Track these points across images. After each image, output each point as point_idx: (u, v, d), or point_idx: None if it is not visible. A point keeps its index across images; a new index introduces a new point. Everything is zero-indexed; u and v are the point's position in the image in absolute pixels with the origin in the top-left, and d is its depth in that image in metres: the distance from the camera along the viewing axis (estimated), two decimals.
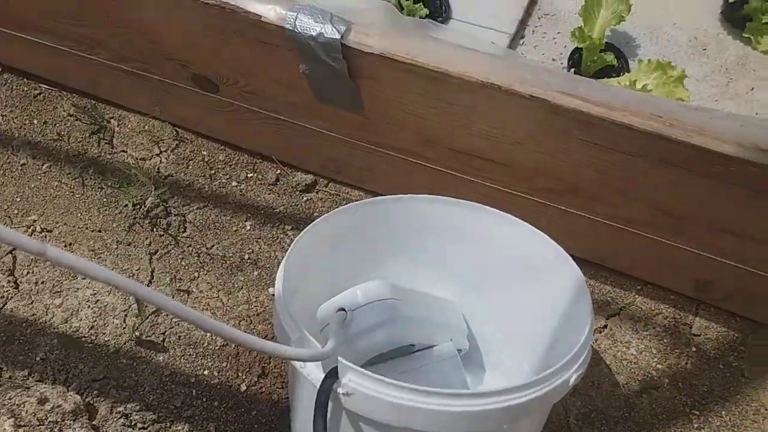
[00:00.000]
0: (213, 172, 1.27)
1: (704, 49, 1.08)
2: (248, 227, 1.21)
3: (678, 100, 0.95)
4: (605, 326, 1.13)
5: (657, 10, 1.13)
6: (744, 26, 1.08)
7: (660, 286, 1.13)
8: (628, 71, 1.05)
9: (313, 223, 0.88)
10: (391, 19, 0.99)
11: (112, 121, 1.34)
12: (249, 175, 1.27)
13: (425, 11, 1.09)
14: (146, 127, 1.33)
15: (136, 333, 1.08)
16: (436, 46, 0.94)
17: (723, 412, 1.06)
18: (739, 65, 1.06)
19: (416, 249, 0.96)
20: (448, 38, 0.95)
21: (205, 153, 1.30)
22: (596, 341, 1.10)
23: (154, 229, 1.20)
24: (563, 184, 1.00)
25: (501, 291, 0.94)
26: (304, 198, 1.24)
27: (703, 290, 1.10)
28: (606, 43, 1.05)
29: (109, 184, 1.25)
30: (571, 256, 0.87)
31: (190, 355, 1.07)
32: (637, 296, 1.14)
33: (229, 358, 1.07)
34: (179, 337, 1.08)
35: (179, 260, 1.17)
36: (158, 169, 1.27)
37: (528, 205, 1.05)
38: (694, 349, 1.11)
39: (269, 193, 1.25)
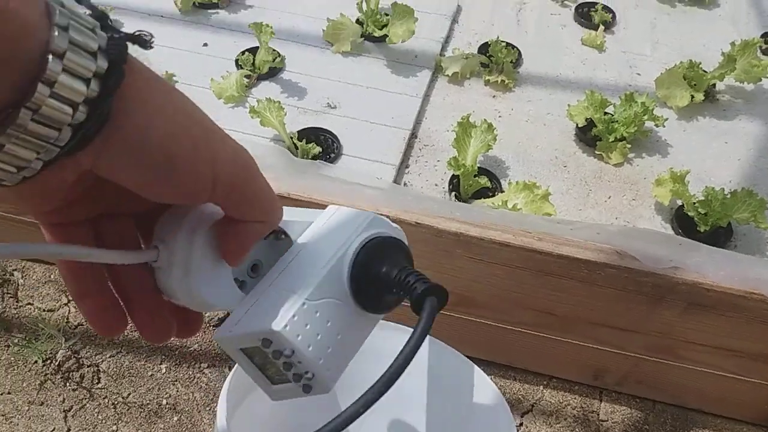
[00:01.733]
0: None
1: (565, 166, 1.24)
2: (164, 370, 1.22)
3: (545, 215, 1.08)
4: (521, 424, 1.19)
5: (520, 137, 1.29)
6: (595, 145, 1.25)
7: (564, 379, 1.22)
8: (502, 191, 1.18)
9: None
10: (285, 162, 1.08)
11: (15, 273, 1.35)
12: None
13: (318, 149, 1.20)
14: (52, 277, 1.34)
15: None
16: (329, 183, 1.04)
17: None
18: (595, 178, 1.22)
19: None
20: (340, 176, 1.06)
21: None
22: None
23: (67, 384, 1.20)
24: (456, 297, 1.09)
25: (420, 411, 0.99)
26: None
27: (600, 379, 1.20)
28: (479, 168, 1.18)
29: (16, 341, 1.24)
30: (478, 359, 0.94)
31: None
32: (545, 390, 1.22)
33: None
34: None
35: (96, 414, 1.16)
36: (67, 318, 1.28)
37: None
38: None
39: None
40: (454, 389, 0.94)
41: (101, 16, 0.28)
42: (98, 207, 0.36)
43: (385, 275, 0.39)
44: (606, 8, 1.57)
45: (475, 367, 0.94)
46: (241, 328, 0.37)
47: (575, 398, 1.22)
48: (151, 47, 0.30)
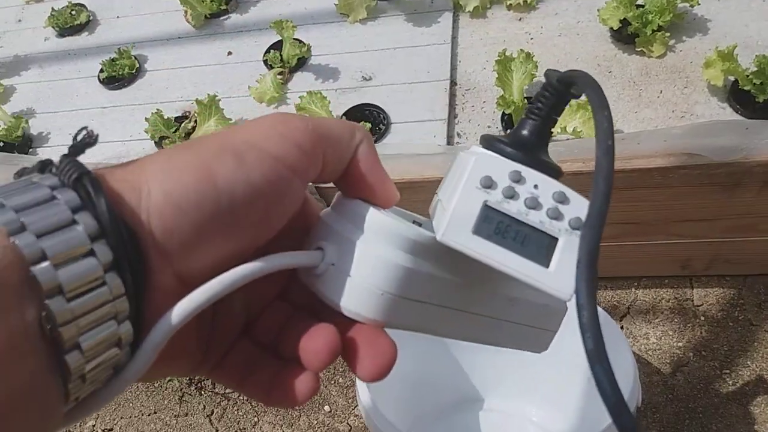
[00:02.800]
0: None
1: (609, 72, 1.23)
2: None
3: None
4: (621, 327, 1.25)
5: (558, 54, 1.28)
6: (634, 42, 1.24)
7: (653, 276, 1.26)
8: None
9: None
10: None
11: None
12: None
13: (368, 125, 1.23)
14: None
15: None
16: (390, 161, 1.08)
17: (749, 363, 1.18)
18: (642, 75, 1.21)
19: None
20: (396, 151, 1.09)
21: None
22: None
23: (203, 393, 1.31)
24: None
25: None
26: None
27: (689, 267, 1.23)
28: (527, 98, 1.19)
29: None
30: None
31: None
32: (636, 291, 1.27)
33: None
34: None
35: (236, 412, 1.27)
36: None
37: None
38: (702, 318, 1.23)
39: None
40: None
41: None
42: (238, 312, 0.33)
43: (527, 127, 0.33)
44: None
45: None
46: (452, 202, 0.30)
47: (668, 291, 1.26)
48: (95, 141, 0.27)
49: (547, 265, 0.29)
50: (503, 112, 1.22)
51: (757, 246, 1.14)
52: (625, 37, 1.26)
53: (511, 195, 0.30)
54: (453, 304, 0.33)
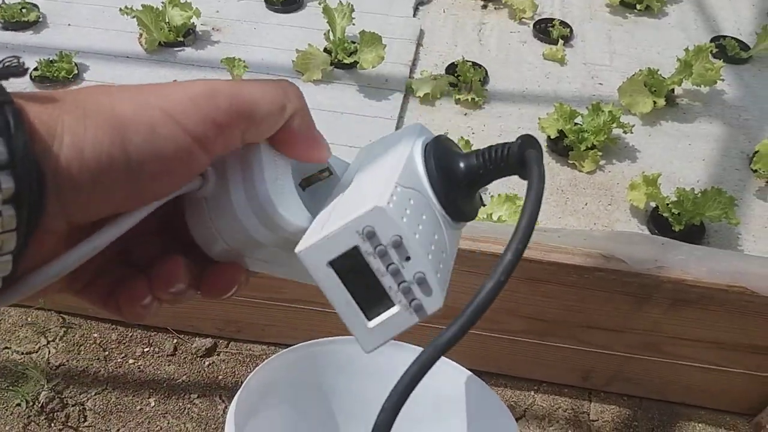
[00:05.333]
0: (107, 353, 1.27)
1: None
2: (152, 403, 1.20)
3: None
4: None
5: None
6: (567, 154, 1.29)
7: (554, 383, 1.25)
8: (484, 205, 1.21)
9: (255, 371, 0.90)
10: None
11: None
12: (145, 350, 1.27)
13: None
14: (29, 319, 1.31)
15: None
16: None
17: None
18: (571, 186, 1.26)
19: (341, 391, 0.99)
20: None
21: (96, 335, 1.29)
22: None
23: (52, 424, 1.16)
24: (447, 309, 1.10)
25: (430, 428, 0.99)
26: (206, 363, 1.26)
27: (589, 380, 1.22)
28: None
29: None
30: (472, 369, 0.95)
31: None
32: (536, 395, 1.24)
33: None
34: None
35: None
36: (48, 360, 1.24)
37: (425, 333, 1.14)
38: None
39: (169, 365, 1.25)
40: (460, 403, 0.95)
41: None
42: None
43: (466, 165, 0.33)
44: (563, 23, 1.63)
45: (476, 378, 0.95)
46: (331, 227, 0.30)
47: (566, 401, 1.24)
48: (24, 72, 0.27)
49: (369, 319, 0.31)
50: None
51: (658, 368, 1.15)
52: (560, 148, 1.31)
53: (382, 254, 0.30)
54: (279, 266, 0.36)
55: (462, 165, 0.33)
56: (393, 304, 0.31)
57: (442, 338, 0.30)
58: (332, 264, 0.30)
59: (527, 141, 0.32)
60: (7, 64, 0.26)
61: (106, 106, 0.27)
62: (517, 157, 0.32)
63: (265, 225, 0.32)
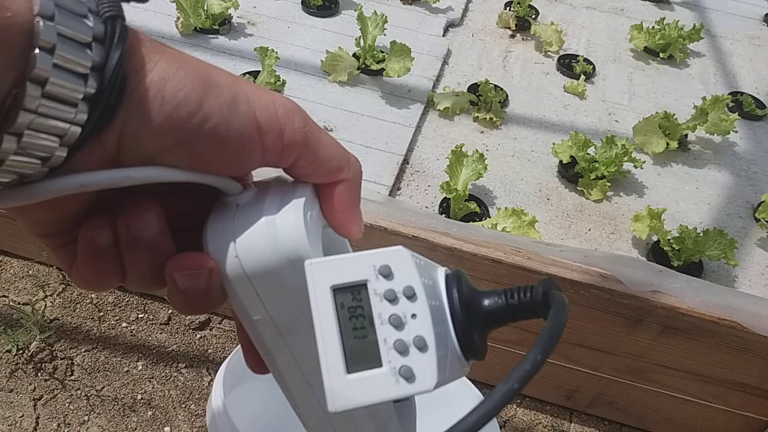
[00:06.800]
0: (102, 314, 1.28)
1: (548, 199, 1.30)
2: (140, 367, 1.21)
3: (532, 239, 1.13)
4: None
5: (506, 170, 1.35)
6: (577, 181, 1.32)
7: (536, 398, 1.25)
8: (489, 217, 1.23)
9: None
10: None
11: None
12: (140, 316, 1.29)
13: None
14: (30, 272, 1.33)
15: None
16: None
17: None
18: (577, 211, 1.28)
19: None
20: None
21: (93, 296, 1.30)
22: None
23: (39, 374, 1.17)
24: None
25: None
26: (198, 336, 1.27)
27: (572, 399, 1.23)
28: (468, 194, 1.23)
29: None
30: None
31: None
32: (518, 408, 1.25)
33: None
34: None
35: (67, 404, 1.14)
36: (43, 313, 1.26)
37: None
38: None
39: (161, 333, 1.27)
40: (442, 397, 0.96)
41: None
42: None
43: (489, 301, 0.32)
44: (587, 60, 1.67)
45: (468, 382, 0.97)
46: (350, 253, 0.29)
47: (546, 418, 1.25)
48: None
49: (348, 372, 0.27)
50: (443, 199, 1.25)
51: (642, 395, 1.16)
52: (571, 175, 1.34)
53: (390, 299, 0.28)
54: (284, 331, 0.32)
55: (485, 302, 0.32)
56: (380, 364, 0.27)
57: None
58: (334, 291, 0.28)
59: (551, 282, 0.31)
60: None
61: (203, 66, 0.29)
62: (541, 296, 0.31)
63: (283, 248, 0.30)
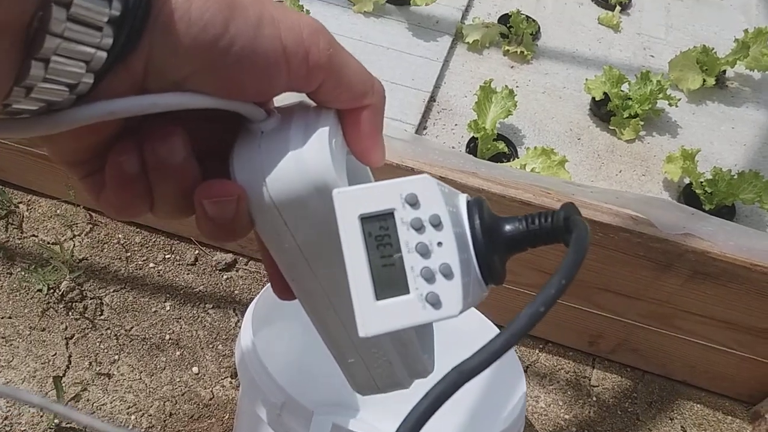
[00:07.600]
0: (129, 254, 1.29)
1: (579, 139, 1.26)
2: (168, 308, 1.23)
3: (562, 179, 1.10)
4: None
5: (536, 108, 1.31)
6: (609, 120, 1.28)
7: (559, 344, 1.26)
8: (518, 157, 1.21)
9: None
10: None
11: (20, 205, 1.34)
12: (167, 257, 1.30)
13: None
14: (58, 212, 1.34)
15: (56, 421, 1.05)
16: None
17: None
18: (608, 152, 1.25)
19: None
20: None
21: (120, 236, 1.31)
22: None
23: (70, 313, 1.20)
24: None
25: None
26: (224, 277, 1.28)
27: (595, 345, 1.23)
28: (497, 133, 1.20)
29: (19, 269, 1.24)
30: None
31: None
32: (540, 354, 1.25)
33: None
34: (103, 421, 1.07)
35: (98, 343, 1.17)
36: (72, 252, 1.27)
37: None
38: (594, 398, 1.22)
39: (188, 274, 1.28)
40: (466, 337, 0.97)
41: None
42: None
43: (511, 227, 0.32)
44: None
45: (488, 321, 0.97)
46: (376, 182, 0.29)
47: (569, 363, 1.26)
48: None
49: (378, 299, 0.28)
50: (470, 138, 1.22)
51: (666, 342, 1.16)
52: (603, 113, 1.30)
53: (416, 227, 0.29)
54: (311, 259, 0.32)
55: (506, 227, 0.32)
56: (407, 291, 0.28)
57: (467, 365, 0.27)
58: (362, 220, 0.28)
59: (572, 207, 0.31)
60: None
61: None
62: (563, 222, 0.31)
63: (310, 177, 0.30)
